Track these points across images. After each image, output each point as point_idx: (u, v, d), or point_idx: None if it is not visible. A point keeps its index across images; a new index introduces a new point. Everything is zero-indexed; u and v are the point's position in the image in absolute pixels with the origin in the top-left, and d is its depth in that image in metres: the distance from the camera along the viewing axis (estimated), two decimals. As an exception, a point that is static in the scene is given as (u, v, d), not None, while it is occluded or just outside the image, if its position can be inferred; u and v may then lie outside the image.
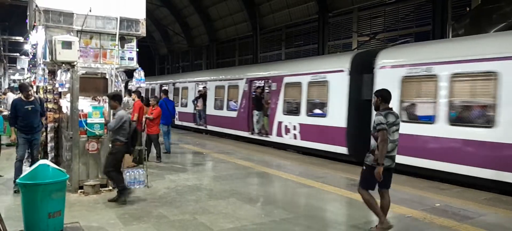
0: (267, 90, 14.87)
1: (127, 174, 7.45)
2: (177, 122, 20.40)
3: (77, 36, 6.90)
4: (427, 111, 8.82)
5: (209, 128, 17.90)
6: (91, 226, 5.35)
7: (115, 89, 7.27)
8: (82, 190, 6.94)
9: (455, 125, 8.20)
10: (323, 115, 11.57)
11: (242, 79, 15.59)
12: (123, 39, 7.43)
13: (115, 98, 6.71)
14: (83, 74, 7.15)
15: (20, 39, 25.74)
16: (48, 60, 6.97)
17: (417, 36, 15.80)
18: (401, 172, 8.43)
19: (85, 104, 7.26)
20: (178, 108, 20.49)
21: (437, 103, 8.47)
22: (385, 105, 5.17)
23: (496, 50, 7.72)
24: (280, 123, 13.07)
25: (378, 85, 9.24)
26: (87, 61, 7.14)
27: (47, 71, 7.42)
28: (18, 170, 6.87)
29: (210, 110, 17.69)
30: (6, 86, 27.81)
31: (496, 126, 7.49)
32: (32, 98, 7.29)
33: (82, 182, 7.01)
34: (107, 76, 7.33)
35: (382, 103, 5.18)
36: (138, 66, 7.55)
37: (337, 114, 10.94)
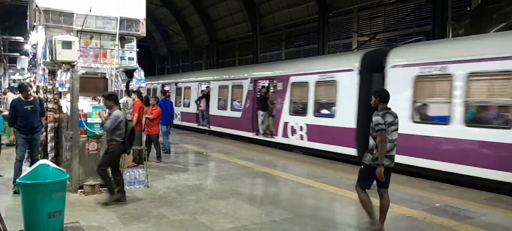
0: (273, 90, 14.62)
1: (127, 174, 7.46)
2: (179, 122, 20.24)
3: (77, 36, 6.91)
4: (442, 112, 8.49)
5: (212, 128, 17.75)
6: (91, 226, 5.35)
7: (115, 89, 7.28)
8: (82, 190, 6.94)
9: (471, 126, 7.91)
10: (331, 115, 11.35)
11: (246, 79, 15.36)
12: (123, 39, 7.44)
13: (110, 98, 6.66)
14: (83, 74, 7.17)
15: (20, 39, 25.71)
16: (48, 60, 6.97)
17: (417, 36, 15.72)
18: (414, 174, 8.31)
19: (85, 104, 7.28)
20: (181, 109, 20.36)
21: (451, 104, 8.15)
22: (383, 105, 5.17)
23: None
24: (286, 124, 12.85)
25: (389, 85, 9.09)
26: (87, 61, 7.15)
27: (47, 71, 7.42)
28: (18, 170, 6.88)
29: (213, 110, 17.47)
30: (6, 86, 27.78)
31: None
32: (32, 98, 7.28)
33: (82, 182, 7.02)
34: (107, 76, 7.33)
35: (381, 104, 5.19)
36: (138, 66, 7.55)
37: (346, 115, 10.71)
